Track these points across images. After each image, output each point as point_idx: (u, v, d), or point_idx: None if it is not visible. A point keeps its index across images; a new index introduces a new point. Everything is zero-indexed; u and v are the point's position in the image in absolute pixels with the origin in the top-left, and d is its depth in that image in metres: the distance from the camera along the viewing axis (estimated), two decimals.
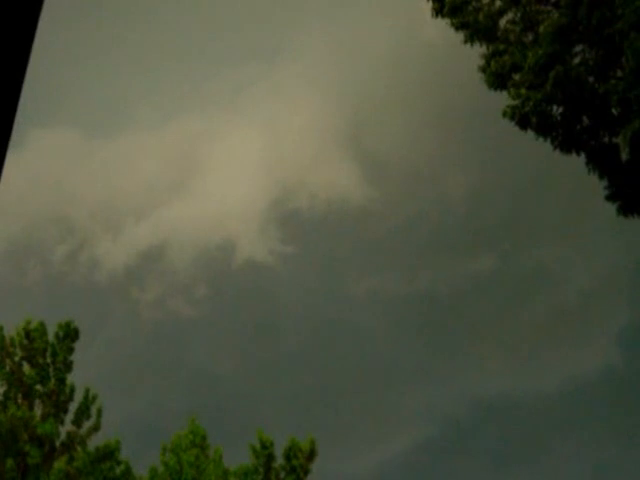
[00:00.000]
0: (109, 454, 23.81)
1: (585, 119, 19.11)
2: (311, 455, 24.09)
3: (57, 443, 23.95)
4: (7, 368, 24.21)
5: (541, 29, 19.49)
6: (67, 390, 24.70)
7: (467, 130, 41.43)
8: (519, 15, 20.35)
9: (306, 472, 23.95)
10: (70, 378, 24.84)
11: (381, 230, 50.06)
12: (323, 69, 49.66)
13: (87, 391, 24.91)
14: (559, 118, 19.13)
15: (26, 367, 24.40)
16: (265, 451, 23.95)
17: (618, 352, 46.18)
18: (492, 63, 19.98)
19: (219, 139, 51.68)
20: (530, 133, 19.69)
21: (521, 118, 19.32)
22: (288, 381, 47.40)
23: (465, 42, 20.95)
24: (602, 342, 46.59)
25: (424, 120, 46.66)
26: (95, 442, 24.71)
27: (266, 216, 50.50)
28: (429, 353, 48.54)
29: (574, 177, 19.81)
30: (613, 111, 18.55)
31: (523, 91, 19.36)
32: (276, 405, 46.00)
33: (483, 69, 20.52)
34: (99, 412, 24.78)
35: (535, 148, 19.65)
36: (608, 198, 19.24)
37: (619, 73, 17.92)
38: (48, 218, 49.92)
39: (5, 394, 24.12)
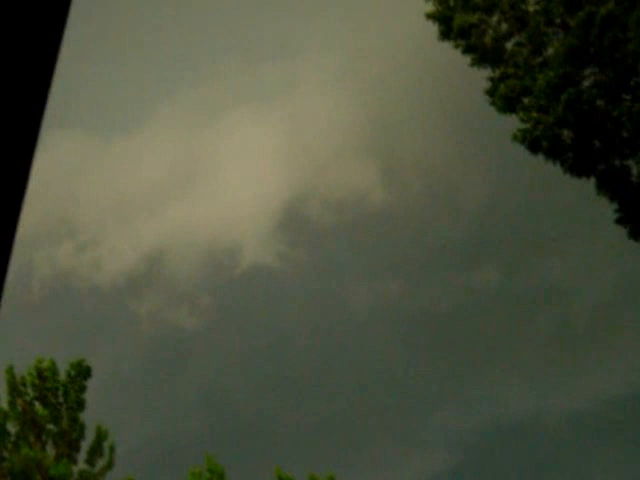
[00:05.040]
0: None
1: (596, 142, 18.92)
2: None
3: None
4: (19, 408, 23.99)
5: (550, 51, 19.33)
6: (79, 428, 24.44)
7: (483, 141, 40.99)
8: (526, 38, 20.18)
9: None
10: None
11: (391, 238, 49.52)
12: (343, 70, 49.29)
13: (99, 428, 24.65)
14: (570, 142, 18.94)
15: (38, 407, 24.18)
16: None
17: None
18: (501, 87, 19.77)
19: (233, 139, 51.24)
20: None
21: (532, 142, 19.13)
22: (293, 403, 47.00)
23: (472, 65, 20.77)
24: (624, 358, 45.78)
25: (442, 129, 46.30)
26: None
27: (276, 219, 50.01)
28: (441, 373, 48.00)
29: (586, 189, 19.49)
30: (624, 134, 18.36)
31: (534, 114, 19.18)
32: (282, 427, 45.62)
33: (490, 92, 20.31)
34: (111, 449, 24.51)
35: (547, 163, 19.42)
36: (618, 222, 19.02)
37: (629, 96, 17.74)
38: (54, 217, 49.53)
39: (17, 434, 23.84)
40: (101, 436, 24.58)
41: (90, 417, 25.06)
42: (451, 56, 20.62)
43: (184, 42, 49.37)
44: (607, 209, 19.29)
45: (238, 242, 50.19)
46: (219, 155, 51.97)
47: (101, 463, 24.36)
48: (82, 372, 24.60)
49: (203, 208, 51.18)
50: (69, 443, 24.01)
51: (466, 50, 20.64)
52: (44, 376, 24.10)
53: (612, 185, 19.07)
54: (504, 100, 19.75)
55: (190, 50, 49.87)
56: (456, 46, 20.84)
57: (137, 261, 49.65)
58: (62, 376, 24.49)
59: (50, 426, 24.10)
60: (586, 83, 18.42)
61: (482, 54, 20.45)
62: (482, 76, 20.35)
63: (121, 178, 52.13)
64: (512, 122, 19.78)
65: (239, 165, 51.49)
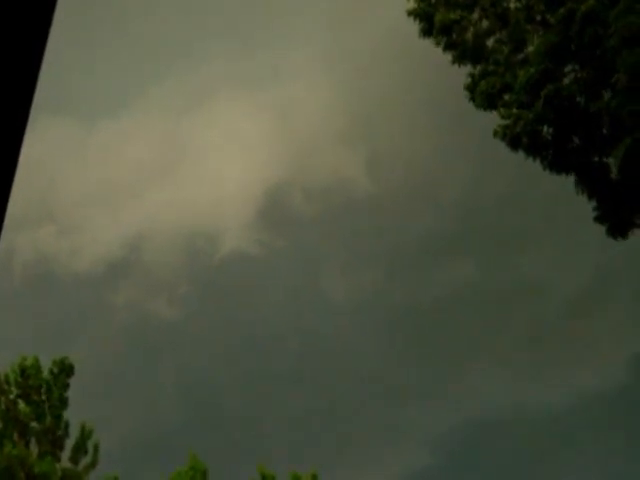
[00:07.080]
0: None
1: (576, 139, 19.04)
2: None
3: None
4: (2, 406, 23.99)
5: (531, 48, 19.47)
6: (62, 426, 24.44)
7: (464, 135, 40.96)
8: (507, 35, 20.28)
9: None
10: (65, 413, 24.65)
11: (373, 228, 49.36)
12: (329, 61, 49.11)
13: (83, 426, 24.66)
14: (550, 138, 19.06)
15: (21, 405, 24.18)
16: None
17: (621, 365, 45.43)
18: (482, 83, 19.87)
19: (217, 126, 50.96)
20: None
21: (512, 138, 19.24)
22: (273, 397, 46.86)
23: (453, 63, 20.84)
24: (604, 352, 45.95)
25: (424, 121, 46.24)
26: (93, 477, 24.42)
27: (257, 206, 49.76)
28: (418, 368, 47.99)
29: (566, 185, 19.61)
30: (604, 131, 18.49)
31: (514, 111, 19.30)
32: (263, 421, 45.55)
33: (470, 88, 20.39)
34: (96, 448, 24.51)
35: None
36: (597, 219, 19.11)
37: (609, 93, 17.88)
38: (38, 202, 49.04)
39: (1, 432, 23.87)
40: (85, 434, 24.60)
41: (70, 411, 25.08)
42: (433, 48, 20.66)
43: (170, 28, 49.22)
44: (586, 205, 19.42)
45: (218, 229, 50.06)
46: (202, 141, 51.91)
47: (85, 461, 24.39)
48: (65, 369, 24.63)
49: (185, 194, 51.05)
50: (53, 441, 24.01)
51: (447, 47, 20.69)
52: (27, 374, 24.12)
53: (591, 182, 19.17)
54: (484, 97, 19.84)
55: (175, 36, 49.69)
56: (437, 43, 20.89)
57: (117, 247, 49.50)
58: (45, 373, 24.52)
59: (33, 424, 24.12)
60: (566, 80, 18.55)
61: (463, 51, 20.50)
62: (464, 71, 20.45)
63: (105, 162, 51.94)
64: (493, 116, 19.92)
65: (222, 151, 51.34)
